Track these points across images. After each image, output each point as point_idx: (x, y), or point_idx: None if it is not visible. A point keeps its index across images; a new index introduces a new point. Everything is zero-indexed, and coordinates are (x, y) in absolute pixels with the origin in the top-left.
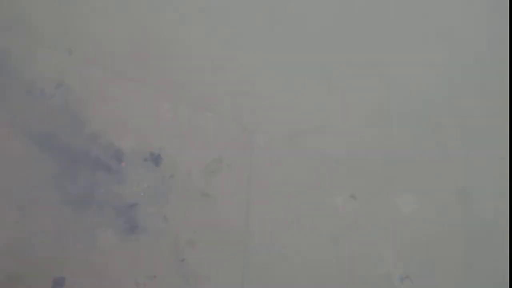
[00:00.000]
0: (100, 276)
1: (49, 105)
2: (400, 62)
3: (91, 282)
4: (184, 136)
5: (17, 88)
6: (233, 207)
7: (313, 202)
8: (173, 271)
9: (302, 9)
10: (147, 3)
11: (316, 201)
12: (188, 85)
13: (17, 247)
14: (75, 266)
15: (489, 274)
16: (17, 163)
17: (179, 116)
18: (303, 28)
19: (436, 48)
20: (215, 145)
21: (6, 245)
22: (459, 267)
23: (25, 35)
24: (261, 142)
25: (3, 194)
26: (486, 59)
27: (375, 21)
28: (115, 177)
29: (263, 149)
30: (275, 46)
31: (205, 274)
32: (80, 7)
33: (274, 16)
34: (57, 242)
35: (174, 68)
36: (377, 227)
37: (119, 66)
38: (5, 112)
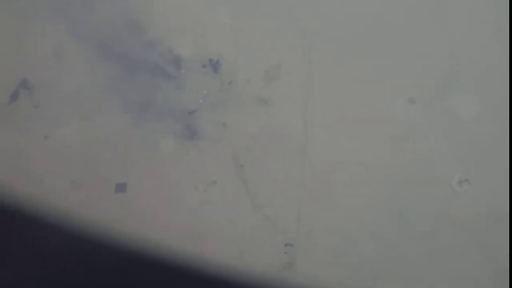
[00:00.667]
0: (161, 181)
1: (108, 11)
2: None
3: (151, 187)
4: (243, 42)
5: None
6: (292, 113)
7: (371, 107)
8: (232, 176)
9: None
10: None
11: (374, 105)
12: None
13: (80, 154)
14: (136, 172)
15: None
16: (78, 70)
17: (237, 22)
18: None
19: None
20: (273, 51)
21: (70, 152)
22: None
23: None
24: (320, 48)
25: (64, 101)
26: None
27: None
28: (174, 84)
29: (323, 56)
30: None
31: (264, 179)
32: None
33: None
34: (119, 149)
35: None
36: (436, 131)
37: None
38: (64, 19)
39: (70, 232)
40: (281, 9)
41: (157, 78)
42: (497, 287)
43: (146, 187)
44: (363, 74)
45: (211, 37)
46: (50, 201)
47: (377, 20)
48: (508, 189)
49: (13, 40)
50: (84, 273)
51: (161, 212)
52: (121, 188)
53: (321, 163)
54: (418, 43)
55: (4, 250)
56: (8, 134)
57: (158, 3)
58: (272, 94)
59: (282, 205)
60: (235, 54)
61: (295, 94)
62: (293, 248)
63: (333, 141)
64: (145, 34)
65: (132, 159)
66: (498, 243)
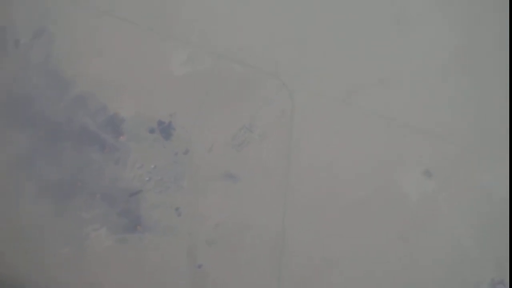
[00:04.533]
0: None
1: (24, 61)
2: None
3: None
4: (203, 98)
5: None
6: (268, 192)
7: (374, 184)
8: (186, 282)
9: None
10: None
11: (377, 183)
12: (208, 30)
13: None
14: (59, 278)
15: None
16: None
17: (197, 71)
18: None
19: None
20: (244, 107)
21: None
22: None
23: None
24: (305, 102)
25: None
26: None
27: None
28: (110, 156)
29: (308, 112)
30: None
31: (229, 286)
32: None
33: None
34: (34, 244)
35: (189, 8)
36: (460, 213)
37: (118, 7)
38: None
39: None
40: (256, 50)
41: (87, 148)
42: None
43: None
44: (363, 134)
45: (161, 92)
46: None
47: (381, 67)
48: (508, 189)
49: None
50: None
51: None
52: None
53: (304, 264)
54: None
55: None
56: None
57: (91, 46)
58: (243, 167)
59: None
60: (193, 113)
61: (272, 166)
62: None
63: (321, 233)
64: (72, 87)
65: (52, 260)
66: None
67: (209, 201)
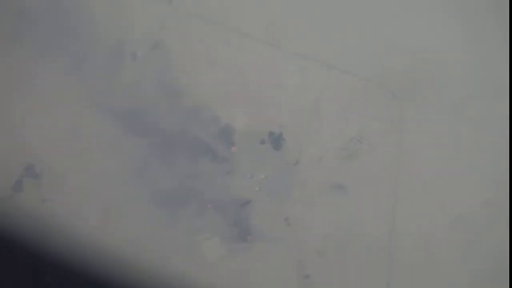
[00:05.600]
0: None
1: (141, 73)
2: None
3: None
4: (314, 109)
5: (101, 52)
6: (378, 204)
7: (485, 198)
8: None
9: None
10: None
11: (488, 196)
12: (318, 42)
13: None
14: (172, 284)
15: None
16: (97, 150)
17: (309, 82)
18: None
19: None
20: (353, 118)
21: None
22: None
23: None
24: (414, 113)
25: (80, 193)
26: None
27: None
28: (222, 166)
29: (417, 122)
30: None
31: None
32: None
33: None
34: (150, 252)
35: (299, 21)
36: None
37: (233, 19)
38: (83, 84)
39: None
40: (366, 63)
41: (200, 157)
42: None
43: None
44: (475, 147)
45: (272, 104)
46: None
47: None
48: (508, 190)
49: (16, 116)
50: None
51: None
52: None
53: (413, 275)
54: None
55: None
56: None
57: (205, 58)
58: (351, 178)
59: None
60: (303, 125)
61: (381, 177)
62: None
63: (430, 244)
64: (185, 98)
65: (167, 267)
66: None
67: (318, 212)
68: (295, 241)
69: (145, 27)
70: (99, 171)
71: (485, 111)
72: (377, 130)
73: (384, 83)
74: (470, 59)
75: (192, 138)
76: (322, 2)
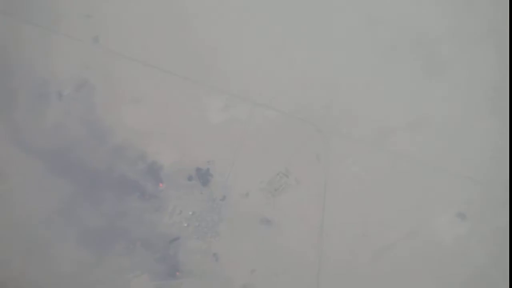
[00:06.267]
0: None
1: (66, 112)
2: None
3: None
4: (240, 145)
5: (26, 91)
6: (305, 237)
7: (407, 226)
8: None
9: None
10: None
11: (410, 224)
12: (243, 78)
13: None
14: None
15: None
16: (21, 190)
17: (234, 119)
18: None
19: None
20: (279, 153)
21: None
22: None
23: (39, 18)
24: (339, 146)
25: (5, 231)
26: None
27: None
28: (150, 203)
29: (342, 155)
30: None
31: None
32: None
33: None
34: None
35: (225, 58)
36: (494, 257)
37: (156, 57)
38: (7, 123)
39: None
40: (289, 99)
41: (127, 196)
42: None
43: None
44: (396, 177)
45: (199, 140)
46: None
47: (412, 110)
48: (508, 190)
49: None
50: None
51: None
52: None
53: None
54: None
55: None
56: None
57: (130, 96)
58: (278, 212)
59: None
60: (229, 161)
61: (308, 210)
62: None
63: (355, 278)
64: (111, 136)
65: None
66: None
67: (246, 246)
68: (224, 276)
69: (70, 66)
70: (22, 211)
71: (408, 143)
72: (303, 164)
73: (309, 117)
74: (391, 92)
75: (119, 176)
76: (244, 41)
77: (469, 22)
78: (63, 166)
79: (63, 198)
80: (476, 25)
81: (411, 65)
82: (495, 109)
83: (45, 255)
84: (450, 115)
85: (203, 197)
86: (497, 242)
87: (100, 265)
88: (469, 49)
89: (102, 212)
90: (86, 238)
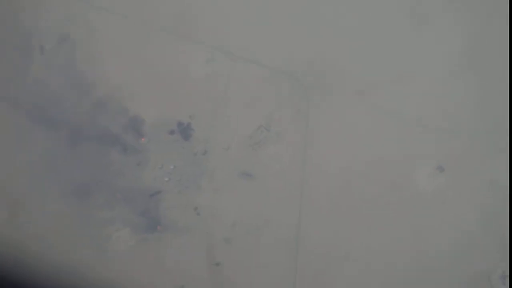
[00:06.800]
0: None
1: (49, 66)
2: None
3: None
4: (221, 99)
5: (8, 44)
6: (285, 191)
7: (388, 178)
8: (204, 280)
9: None
10: None
11: (391, 176)
12: (225, 33)
13: (7, 251)
14: (84, 276)
15: None
16: (5, 144)
17: (217, 72)
18: None
19: None
20: (261, 107)
21: None
22: None
23: None
24: (320, 100)
25: None
26: None
27: None
28: (132, 157)
29: (323, 110)
30: None
31: (246, 283)
32: None
33: None
34: (59, 246)
35: (208, 12)
36: (472, 207)
37: (140, 11)
38: None
39: None
40: (272, 53)
41: (109, 150)
42: None
43: None
44: (377, 131)
45: (181, 94)
46: None
47: (395, 64)
48: (508, 191)
49: None
50: None
51: None
52: None
53: (320, 259)
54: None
55: None
56: None
57: (113, 50)
58: (259, 166)
59: None
60: (211, 114)
61: (288, 165)
62: None
63: (336, 229)
64: (94, 90)
65: (78, 259)
66: None
67: (227, 200)
68: (205, 230)
69: (52, 19)
70: (7, 164)
71: (388, 97)
72: (284, 118)
73: (291, 72)
74: (374, 46)
75: (101, 130)
76: None
77: None
78: (45, 119)
79: (46, 151)
80: None
81: (396, 18)
82: (473, 64)
83: (30, 206)
84: (430, 70)
85: (184, 151)
86: (476, 193)
87: (82, 218)
88: (452, 4)
89: (83, 165)
90: (68, 191)
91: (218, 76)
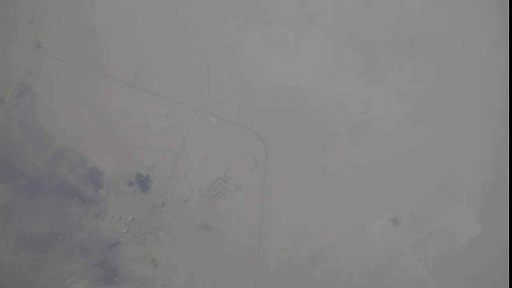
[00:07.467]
0: None
1: (8, 117)
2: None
3: None
4: (180, 151)
5: None
6: (243, 241)
7: (343, 232)
8: None
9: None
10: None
11: (347, 230)
12: (185, 85)
13: None
14: None
15: None
16: None
17: (176, 125)
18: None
19: None
20: (219, 160)
21: None
22: None
23: None
24: (278, 151)
25: None
26: None
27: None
28: (90, 209)
29: (281, 162)
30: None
31: None
32: None
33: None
34: None
35: (170, 66)
36: (428, 259)
37: (100, 64)
38: None
39: None
40: (229, 106)
41: (68, 202)
42: None
43: None
44: (333, 186)
45: (139, 145)
46: None
47: (354, 113)
48: (508, 191)
49: None
50: None
51: None
52: None
53: None
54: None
55: None
56: None
57: (73, 102)
58: (217, 217)
59: None
60: (169, 166)
61: (246, 215)
62: None
63: (291, 283)
64: (53, 142)
65: None
66: None
67: (184, 252)
68: (162, 282)
69: (13, 71)
70: None
71: (345, 147)
72: (242, 170)
73: (248, 124)
74: (330, 99)
75: (59, 182)
76: (189, 49)
77: (405, 31)
78: (2, 170)
79: (2, 203)
80: (413, 34)
81: (353, 72)
82: (429, 114)
83: None
84: (385, 121)
85: (143, 203)
86: (429, 248)
87: (39, 270)
88: (405, 57)
89: (41, 217)
90: (25, 243)
91: (176, 128)
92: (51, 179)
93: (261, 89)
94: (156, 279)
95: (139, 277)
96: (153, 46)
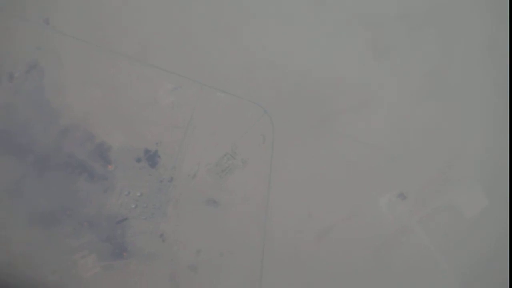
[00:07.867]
0: None
1: (17, 93)
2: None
3: None
4: (188, 126)
5: None
6: (250, 217)
7: (351, 206)
8: None
9: None
10: None
11: (355, 204)
12: (192, 60)
13: None
14: None
15: None
16: None
17: (183, 100)
18: None
19: None
20: (227, 135)
21: None
22: None
23: None
24: (285, 127)
25: None
26: None
27: None
28: (99, 184)
29: (288, 136)
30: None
31: None
32: None
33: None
34: (26, 273)
35: (178, 41)
36: (433, 233)
37: (108, 39)
38: None
39: None
40: (238, 80)
41: (76, 177)
42: None
43: None
44: (339, 161)
45: (148, 122)
46: None
47: (358, 91)
48: (509, 196)
49: None
50: None
51: None
52: None
53: (284, 287)
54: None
55: None
56: None
57: (81, 78)
58: (225, 193)
59: None
60: (178, 141)
61: (253, 191)
62: None
63: (300, 257)
64: (61, 117)
65: (43, 285)
66: None
67: (192, 227)
68: (170, 257)
69: (22, 47)
70: None
71: (352, 124)
72: (249, 145)
73: (256, 99)
74: (336, 76)
75: (68, 157)
76: (196, 23)
77: (413, 7)
78: (12, 146)
79: (12, 179)
80: (419, 9)
81: (359, 49)
82: (432, 92)
83: None
84: (391, 98)
85: (151, 178)
86: (437, 222)
87: (49, 245)
88: (411, 34)
89: (50, 192)
90: (35, 218)
91: (184, 103)
92: (59, 155)
93: (268, 64)
94: (164, 254)
95: (148, 252)
96: (160, 21)
